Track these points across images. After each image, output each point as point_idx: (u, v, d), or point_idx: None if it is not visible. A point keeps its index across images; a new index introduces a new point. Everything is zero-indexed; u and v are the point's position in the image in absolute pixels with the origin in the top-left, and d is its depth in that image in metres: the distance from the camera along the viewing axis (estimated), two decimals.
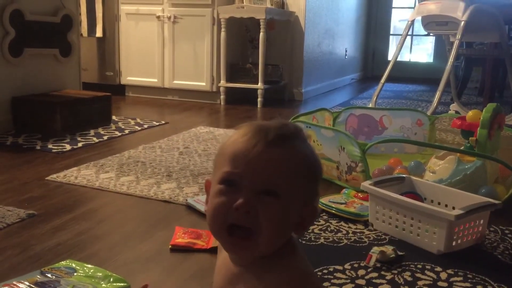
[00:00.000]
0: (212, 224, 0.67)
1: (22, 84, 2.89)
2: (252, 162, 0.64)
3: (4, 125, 2.76)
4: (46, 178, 1.98)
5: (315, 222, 1.59)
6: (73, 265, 1.21)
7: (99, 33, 4.35)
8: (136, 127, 3.02)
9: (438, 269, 1.30)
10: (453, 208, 1.52)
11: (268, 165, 0.64)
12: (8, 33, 2.75)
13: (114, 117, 3.21)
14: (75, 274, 1.16)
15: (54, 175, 2.01)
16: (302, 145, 0.69)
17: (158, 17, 4.20)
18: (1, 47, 2.73)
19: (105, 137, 2.74)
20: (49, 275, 1.15)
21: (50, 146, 2.49)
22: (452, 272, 1.29)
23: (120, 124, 3.10)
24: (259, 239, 0.64)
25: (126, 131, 2.91)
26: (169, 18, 4.17)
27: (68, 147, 2.48)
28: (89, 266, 1.21)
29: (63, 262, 1.23)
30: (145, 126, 3.07)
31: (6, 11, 2.72)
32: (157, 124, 3.17)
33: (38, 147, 2.47)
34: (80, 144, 2.55)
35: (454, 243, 1.41)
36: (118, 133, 2.85)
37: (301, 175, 0.67)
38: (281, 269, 0.67)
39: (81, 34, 3.75)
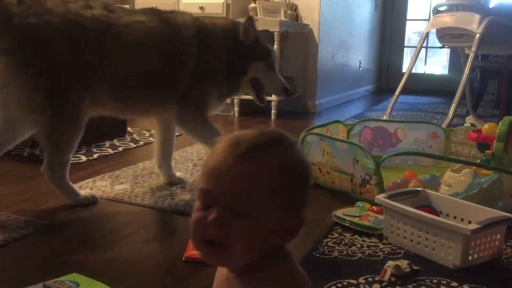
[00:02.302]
0: (192, 238, 0.69)
1: None
2: (221, 178, 0.64)
3: None
4: None
5: (328, 235, 1.58)
6: (77, 280, 1.21)
7: None
8: (151, 138, 3.04)
9: (454, 284, 1.29)
10: (469, 222, 1.50)
11: (237, 180, 0.64)
12: None
13: (129, 129, 3.23)
14: None
15: None
16: (282, 152, 0.67)
17: None
18: None
19: (120, 149, 2.76)
20: None
21: None
22: (468, 287, 1.27)
23: (135, 135, 3.12)
24: (232, 252, 0.65)
25: (141, 143, 2.93)
26: None
27: (83, 158, 2.51)
28: (94, 281, 1.20)
29: (69, 276, 1.23)
30: None
31: None
32: None
33: None
34: (95, 156, 2.57)
35: (470, 258, 1.39)
36: (133, 145, 2.87)
37: (276, 186, 0.65)
38: (269, 278, 0.67)
39: None
